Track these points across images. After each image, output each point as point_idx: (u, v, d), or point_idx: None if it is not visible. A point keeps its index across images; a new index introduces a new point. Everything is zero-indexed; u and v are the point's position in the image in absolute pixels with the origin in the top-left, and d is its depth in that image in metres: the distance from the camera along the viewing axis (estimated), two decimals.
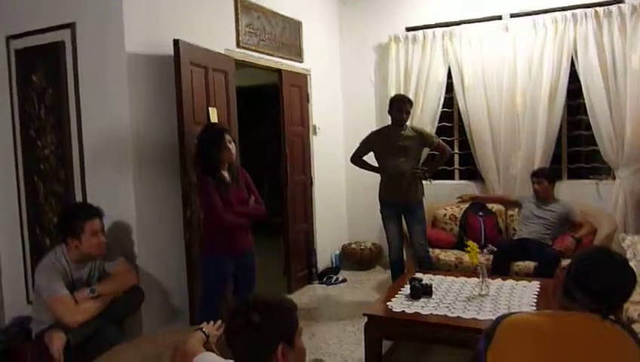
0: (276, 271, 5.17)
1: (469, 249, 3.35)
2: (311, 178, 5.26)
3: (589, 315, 1.47)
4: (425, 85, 5.27)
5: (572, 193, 4.79)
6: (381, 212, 4.40)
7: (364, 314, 3.05)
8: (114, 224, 3.23)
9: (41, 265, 2.79)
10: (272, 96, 5.01)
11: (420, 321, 2.91)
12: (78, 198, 3.38)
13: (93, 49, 3.28)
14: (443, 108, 5.31)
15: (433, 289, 3.22)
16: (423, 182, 4.33)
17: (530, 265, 4.08)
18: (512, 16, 4.96)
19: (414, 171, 4.22)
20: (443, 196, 5.07)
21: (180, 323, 3.48)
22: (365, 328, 3.02)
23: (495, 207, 4.82)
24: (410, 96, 4.89)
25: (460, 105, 5.22)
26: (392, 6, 5.51)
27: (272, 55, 4.64)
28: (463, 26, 5.11)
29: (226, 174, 3.14)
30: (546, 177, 4.35)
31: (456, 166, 5.50)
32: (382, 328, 3.03)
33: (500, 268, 4.01)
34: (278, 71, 4.79)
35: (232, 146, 3.12)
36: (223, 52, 3.94)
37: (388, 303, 3.11)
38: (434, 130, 5.16)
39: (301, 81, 5.11)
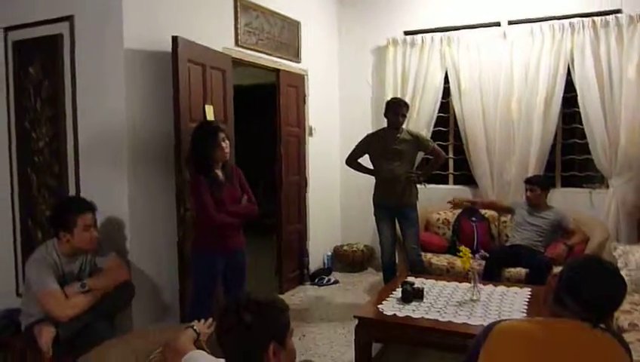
0: (268, 270, 5.16)
1: (461, 254, 3.36)
2: (305, 179, 5.26)
3: (579, 323, 1.48)
4: (422, 89, 5.28)
5: (565, 201, 4.82)
6: (375, 214, 4.40)
7: (354, 317, 3.05)
8: (107, 219, 3.22)
9: (31, 258, 2.77)
10: (269, 95, 5.01)
11: (411, 325, 2.91)
12: (72, 192, 3.37)
13: (91, 43, 3.27)
14: (439, 112, 5.33)
15: (425, 293, 3.23)
16: (417, 185, 4.34)
17: (521, 271, 4.09)
18: (510, 23, 4.98)
19: (409, 175, 4.23)
20: (437, 200, 5.08)
21: (171, 320, 3.47)
22: (356, 330, 3.02)
23: (488, 212, 4.83)
24: (407, 99, 4.91)
25: (455, 110, 5.24)
26: (391, 9, 5.52)
27: (270, 54, 4.64)
28: (461, 31, 5.13)
29: (219, 172, 3.13)
30: (539, 185, 4.36)
31: (451, 171, 5.52)
32: (372, 331, 3.03)
33: (492, 274, 4.02)
34: (276, 70, 4.79)
35: (226, 145, 3.11)
36: (221, 50, 3.94)
37: (379, 306, 3.12)
38: (429, 135, 5.18)
39: (298, 81, 5.11)
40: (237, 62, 4.19)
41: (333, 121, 5.82)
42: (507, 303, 3.13)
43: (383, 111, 4.32)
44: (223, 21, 4.08)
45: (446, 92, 5.30)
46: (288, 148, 4.95)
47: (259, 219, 3.50)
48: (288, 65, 4.93)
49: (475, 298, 3.17)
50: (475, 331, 1.61)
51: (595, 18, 4.61)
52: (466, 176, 5.39)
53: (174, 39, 3.32)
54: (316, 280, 5.20)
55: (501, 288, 3.45)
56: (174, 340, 1.84)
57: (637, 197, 4.61)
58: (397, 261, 4.47)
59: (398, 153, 4.21)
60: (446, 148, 5.34)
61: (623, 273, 3.38)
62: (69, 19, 3.29)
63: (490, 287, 3.44)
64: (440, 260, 4.52)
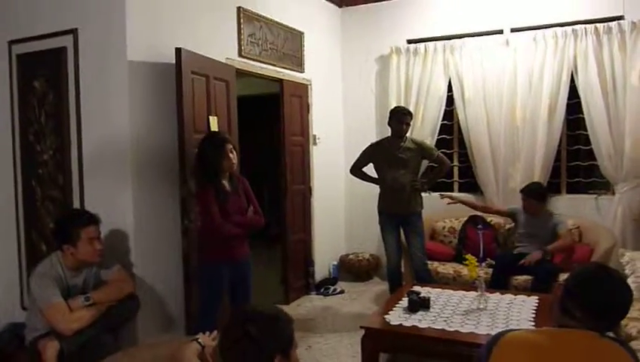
0: (273, 280, 5.14)
1: (467, 262, 3.34)
2: (310, 188, 5.25)
3: (587, 333, 1.46)
4: (425, 97, 5.28)
5: (571, 208, 4.79)
6: (380, 223, 4.39)
7: (361, 327, 3.03)
8: (111, 231, 3.22)
9: (36, 271, 2.77)
10: (273, 105, 5.02)
11: (418, 335, 2.89)
12: (76, 204, 3.36)
13: (95, 56, 3.28)
14: (443, 120, 5.32)
15: (431, 302, 3.21)
16: (422, 194, 4.32)
17: (529, 279, 4.05)
18: (513, 30, 4.99)
19: (413, 183, 4.22)
20: (442, 209, 5.05)
21: (176, 332, 3.46)
22: (362, 341, 3.00)
23: (494, 220, 4.80)
24: (411, 108, 4.90)
25: (460, 118, 5.23)
26: (394, 18, 5.54)
27: (273, 65, 4.65)
28: (464, 39, 5.14)
29: (226, 183, 3.14)
30: (533, 196, 4.26)
31: (456, 178, 5.50)
32: (379, 341, 3.01)
33: (499, 282, 3.99)
34: (280, 81, 4.80)
35: (234, 155, 3.13)
36: (224, 61, 3.95)
37: (385, 316, 3.09)
38: (434, 143, 5.17)
39: (302, 91, 5.12)
40: (241, 73, 4.20)
41: (338, 130, 5.82)
42: (515, 312, 3.10)
43: (387, 120, 4.31)
44: (227, 32, 4.10)
45: (450, 100, 5.29)
46: (293, 158, 4.95)
47: (265, 229, 3.50)
48: (292, 75, 4.95)
49: (482, 306, 3.15)
50: (483, 340, 1.59)
51: (598, 25, 4.60)
52: (471, 183, 5.37)
53: (178, 51, 3.33)
54: (322, 290, 5.17)
55: (508, 296, 3.42)
56: (179, 353, 1.82)
57: None
58: (403, 270, 4.45)
59: (402, 161, 4.20)
60: (450, 155, 5.32)
61: (630, 280, 3.40)
62: (73, 32, 3.31)
63: (497, 296, 3.41)
64: (446, 269, 4.49)
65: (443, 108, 5.28)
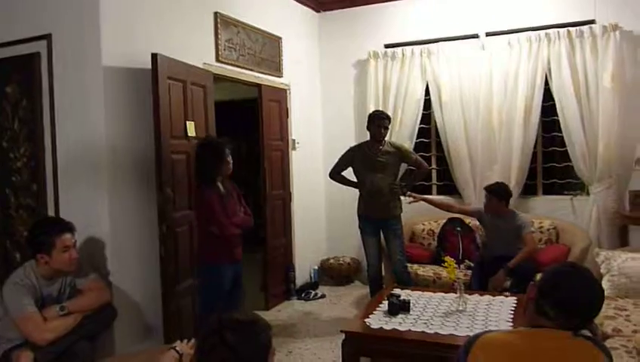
0: (253, 286, 5.10)
1: (446, 264, 3.36)
2: (290, 193, 5.24)
3: (560, 332, 1.48)
4: (403, 101, 5.32)
5: (547, 208, 4.88)
6: (360, 227, 4.40)
7: (341, 331, 3.03)
8: (87, 239, 3.16)
9: (9, 281, 2.70)
10: (252, 110, 5.00)
11: (398, 338, 2.89)
12: (51, 212, 3.30)
13: (69, 61, 3.23)
14: (421, 124, 5.37)
15: (411, 305, 3.22)
16: (401, 197, 4.35)
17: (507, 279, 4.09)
18: (488, 34, 5.06)
19: (392, 187, 4.24)
20: (421, 211, 5.09)
21: (154, 341, 3.41)
22: (343, 345, 2.99)
23: (472, 222, 4.84)
24: (389, 112, 4.94)
25: (437, 122, 5.28)
26: (372, 23, 5.57)
27: (251, 70, 4.64)
28: (440, 43, 5.19)
29: (221, 186, 3.21)
30: (494, 195, 4.19)
31: (434, 181, 5.54)
32: (359, 345, 3.01)
33: (478, 284, 4.02)
34: (258, 86, 4.79)
35: (230, 160, 3.23)
36: (202, 66, 3.92)
37: (366, 320, 3.09)
38: (412, 146, 5.21)
39: (280, 95, 5.12)
40: (218, 78, 4.18)
41: (317, 134, 5.83)
42: (493, 313, 3.13)
43: (366, 124, 4.33)
44: (204, 37, 4.08)
45: (427, 104, 5.34)
46: (272, 163, 4.93)
47: (253, 231, 3.59)
48: (270, 80, 4.94)
49: (461, 308, 3.17)
50: (462, 342, 1.60)
51: (570, 29, 4.70)
52: (449, 186, 5.42)
53: (154, 57, 3.30)
54: (303, 295, 5.16)
55: (487, 297, 3.45)
56: None
57: (617, 203, 4.68)
58: (383, 273, 4.46)
59: (381, 165, 4.22)
60: (429, 159, 5.37)
61: (605, 279, 3.46)
62: (47, 37, 3.26)
63: (476, 297, 3.44)
64: (426, 271, 4.52)
65: (421, 111, 5.32)
